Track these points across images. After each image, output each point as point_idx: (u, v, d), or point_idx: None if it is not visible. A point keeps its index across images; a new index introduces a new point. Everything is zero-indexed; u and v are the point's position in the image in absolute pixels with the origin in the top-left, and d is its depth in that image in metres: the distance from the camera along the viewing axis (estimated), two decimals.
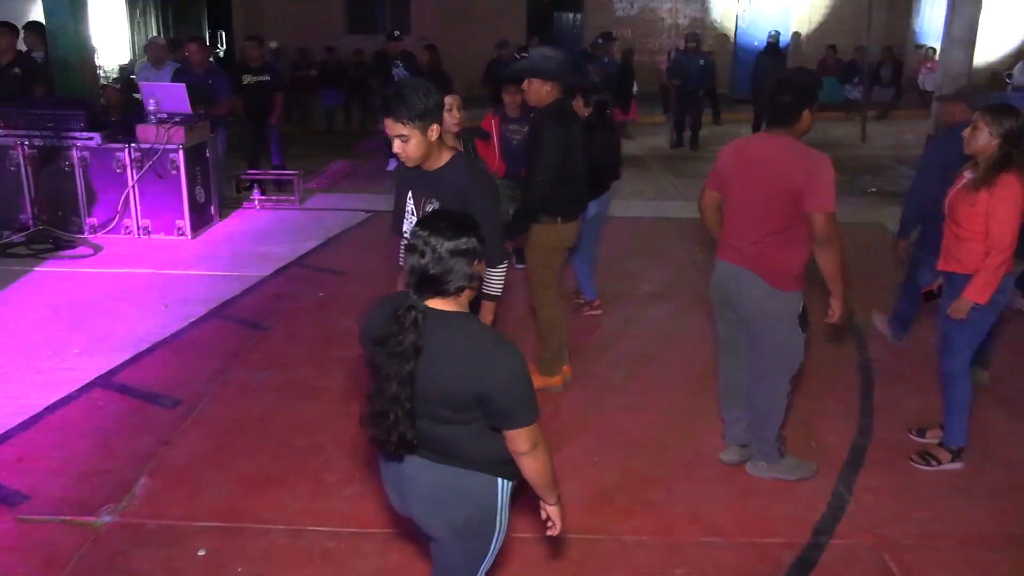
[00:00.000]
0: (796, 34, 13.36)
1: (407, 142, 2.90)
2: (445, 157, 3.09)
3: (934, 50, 11.73)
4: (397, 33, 11.14)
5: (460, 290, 2.15)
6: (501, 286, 3.25)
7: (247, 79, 8.93)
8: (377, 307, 2.27)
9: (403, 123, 2.85)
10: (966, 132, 3.69)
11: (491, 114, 6.27)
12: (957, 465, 3.89)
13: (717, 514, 3.58)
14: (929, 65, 15.07)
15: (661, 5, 19.36)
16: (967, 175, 3.71)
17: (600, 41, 13.66)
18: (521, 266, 6.32)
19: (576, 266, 5.87)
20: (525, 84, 4.47)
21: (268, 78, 9.03)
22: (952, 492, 3.77)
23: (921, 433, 4.17)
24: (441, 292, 2.14)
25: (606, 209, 5.88)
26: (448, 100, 3.85)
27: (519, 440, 2.13)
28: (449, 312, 2.16)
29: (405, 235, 3.12)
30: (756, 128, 13.13)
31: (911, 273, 4.97)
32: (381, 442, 2.15)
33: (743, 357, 3.75)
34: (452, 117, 4.04)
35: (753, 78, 13.11)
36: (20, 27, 9.20)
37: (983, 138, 3.59)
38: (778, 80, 3.51)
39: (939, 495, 3.74)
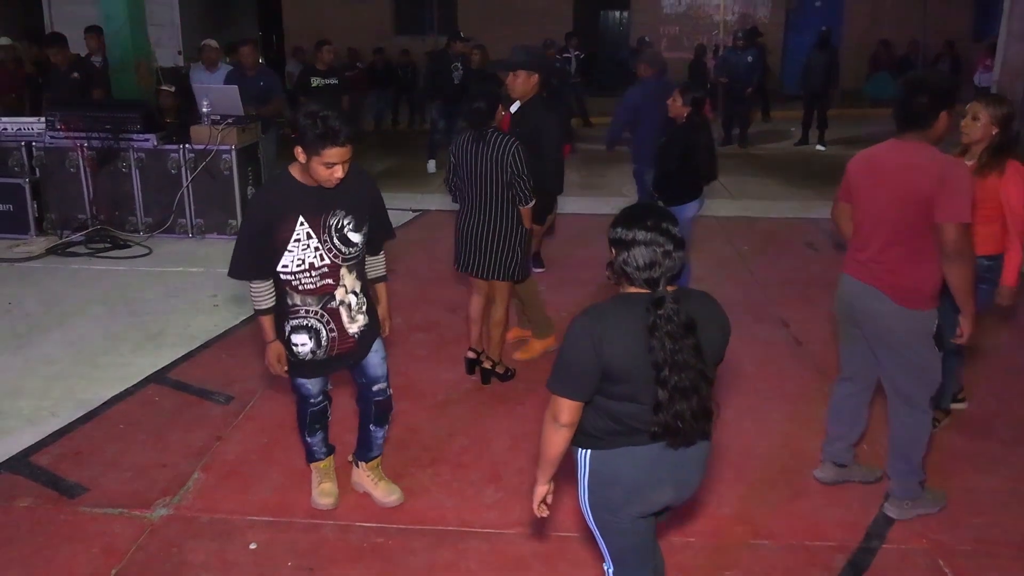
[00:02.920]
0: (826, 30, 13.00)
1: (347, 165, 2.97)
2: None
3: (993, 46, 11.42)
4: (462, 34, 11.16)
5: None
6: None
7: (316, 81, 9.06)
8: (602, 327, 2.20)
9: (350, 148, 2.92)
10: (965, 122, 3.80)
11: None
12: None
13: (767, 516, 3.54)
14: (988, 63, 14.68)
15: (709, 1, 19.16)
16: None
17: (646, 39, 13.62)
18: (540, 270, 6.37)
19: None
20: (510, 78, 4.79)
21: (336, 81, 9.15)
22: (1011, 498, 3.67)
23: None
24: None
25: (700, 211, 5.86)
26: None
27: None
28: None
29: (286, 273, 3.06)
30: (806, 125, 12.95)
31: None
32: (680, 432, 2.20)
33: (870, 378, 3.55)
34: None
35: (804, 74, 12.90)
36: (84, 31, 9.48)
37: (984, 126, 3.75)
38: (910, 81, 3.28)
39: (996, 501, 3.65)
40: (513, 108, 5.03)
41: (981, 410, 4.45)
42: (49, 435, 4.14)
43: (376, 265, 3.43)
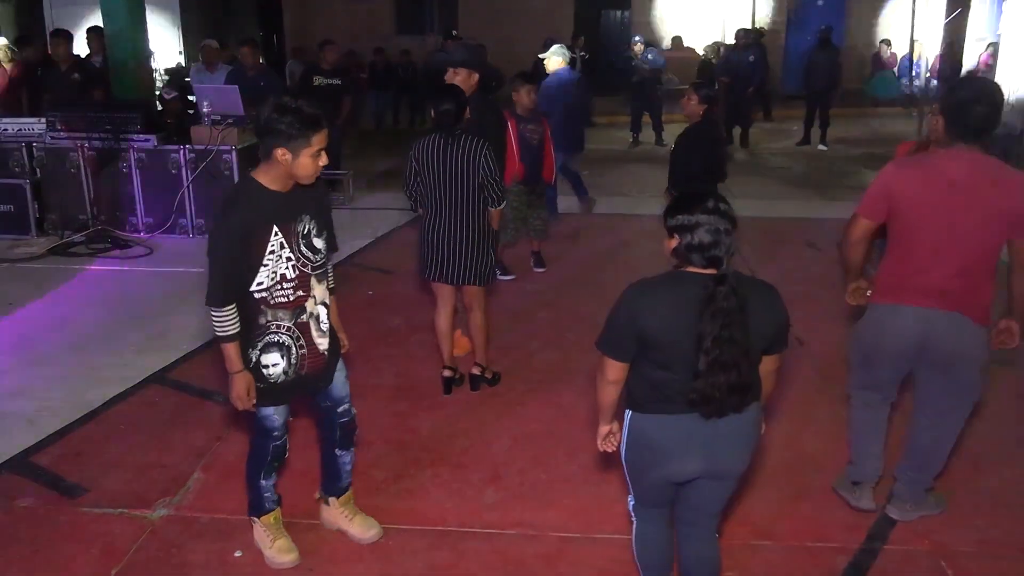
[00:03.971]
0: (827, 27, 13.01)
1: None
2: None
3: (994, 45, 11.42)
4: (455, 33, 11.16)
5: None
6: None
7: (318, 80, 9.05)
8: (643, 299, 2.44)
9: None
10: (935, 119, 3.55)
11: (507, 114, 5.99)
12: None
13: (768, 517, 3.53)
14: (988, 61, 14.67)
15: (710, 1, 19.15)
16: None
17: (636, 39, 13.64)
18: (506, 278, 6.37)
19: None
20: (450, 75, 4.69)
21: (339, 81, 9.14)
22: (1014, 499, 3.66)
23: None
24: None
25: None
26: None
27: None
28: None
29: (261, 290, 2.83)
30: (808, 124, 12.94)
31: None
32: (715, 401, 2.38)
33: (919, 404, 3.39)
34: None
35: (806, 73, 12.90)
36: (84, 31, 9.49)
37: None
38: (976, 89, 3.07)
39: (999, 502, 3.64)
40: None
41: (983, 411, 4.43)
42: (49, 435, 4.14)
43: (329, 276, 3.16)
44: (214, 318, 2.81)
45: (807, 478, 3.80)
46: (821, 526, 3.47)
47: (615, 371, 2.53)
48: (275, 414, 3.09)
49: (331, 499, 3.38)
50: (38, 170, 7.59)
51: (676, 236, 2.44)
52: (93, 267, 6.89)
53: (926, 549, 3.32)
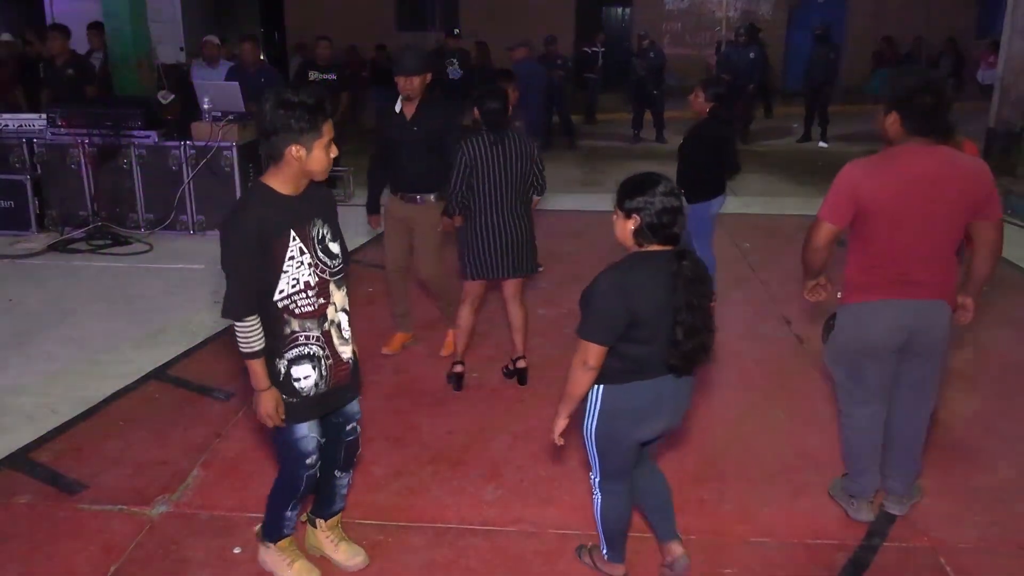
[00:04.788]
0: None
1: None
2: None
3: (997, 43, 11.37)
4: (457, 31, 11.14)
5: None
6: None
7: (313, 75, 9.03)
8: (629, 282, 2.60)
9: None
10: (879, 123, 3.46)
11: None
12: None
13: (767, 514, 3.53)
14: (991, 60, 14.64)
15: None
16: None
17: (642, 33, 13.62)
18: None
19: None
20: (404, 83, 4.58)
21: (334, 77, 9.13)
22: (1011, 496, 3.66)
23: None
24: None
25: (720, 208, 5.69)
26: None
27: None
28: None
29: (283, 298, 2.68)
30: (808, 121, 12.93)
31: None
32: (695, 361, 2.65)
33: (902, 395, 3.36)
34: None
35: (807, 70, 12.89)
36: (86, 27, 9.48)
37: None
38: (917, 80, 3.07)
39: (998, 499, 3.63)
40: (407, 110, 4.72)
41: (983, 406, 4.44)
42: (49, 432, 4.14)
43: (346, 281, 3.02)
44: (238, 333, 2.66)
45: (806, 475, 3.80)
46: (820, 523, 3.47)
47: (599, 357, 2.63)
48: (309, 434, 2.86)
49: (319, 520, 3.19)
50: (39, 166, 7.60)
51: (635, 217, 2.62)
52: (93, 263, 6.89)
53: (925, 546, 3.32)
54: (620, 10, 20.15)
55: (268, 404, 2.74)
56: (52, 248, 7.20)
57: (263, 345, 2.69)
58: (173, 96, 8.11)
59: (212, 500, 3.60)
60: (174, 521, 3.45)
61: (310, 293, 2.74)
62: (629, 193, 2.64)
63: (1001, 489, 3.71)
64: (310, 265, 2.72)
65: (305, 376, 2.79)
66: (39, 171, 7.61)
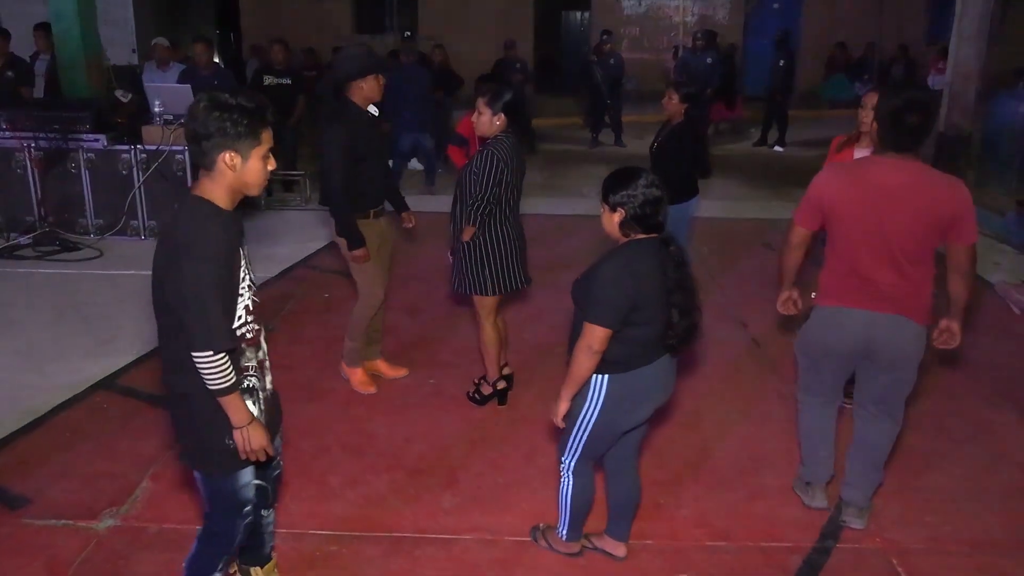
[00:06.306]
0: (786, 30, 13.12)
1: None
2: None
3: (946, 48, 11.60)
4: (408, 33, 11.11)
5: None
6: None
7: (268, 80, 8.94)
8: (634, 267, 2.74)
9: None
10: (864, 112, 3.83)
11: (469, 117, 5.55)
12: None
13: (723, 518, 3.55)
14: (940, 66, 14.96)
15: (669, 3, 19.30)
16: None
17: (604, 37, 13.63)
18: None
19: None
20: (355, 89, 4.23)
21: (289, 81, 9.02)
22: (962, 496, 3.72)
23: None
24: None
25: (696, 211, 5.68)
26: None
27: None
28: None
29: (240, 326, 2.41)
30: (766, 127, 13.09)
31: None
32: (689, 340, 2.83)
33: (863, 400, 3.42)
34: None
35: (770, 75, 13.05)
36: (33, 28, 9.27)
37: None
38: (907, 100, 3.04)
39: (948, 499, 3.70)
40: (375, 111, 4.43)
41: (935, 408, 4.51)
42: None
43: None
44: (211, 367, 2.27)
45: (762, 478, 3.83)
46: (775, 526, 3.49)
47: (605, 341, 2.74)
48: (252, 480, 2.57)
49: (255, 570, 2.92)
50: None
51: (620, 210, 2.78)
52: (40, 270, 6.71)
53: (877, 547, 3.36)
54: (579, 14, 20.24)
55: (260, 437, 2.43)
56: None
57: (235, 377, 2.36)
58: (132, 95, 7.95)
59: (161, 513, 3.52)
60: (122, 535, 3.36)
61: (250, 319, 2.46)
62: (613, 188, 2.80)
63: (952, 489, 3.77)
64: (248, 287, 2.46)
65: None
66: None
